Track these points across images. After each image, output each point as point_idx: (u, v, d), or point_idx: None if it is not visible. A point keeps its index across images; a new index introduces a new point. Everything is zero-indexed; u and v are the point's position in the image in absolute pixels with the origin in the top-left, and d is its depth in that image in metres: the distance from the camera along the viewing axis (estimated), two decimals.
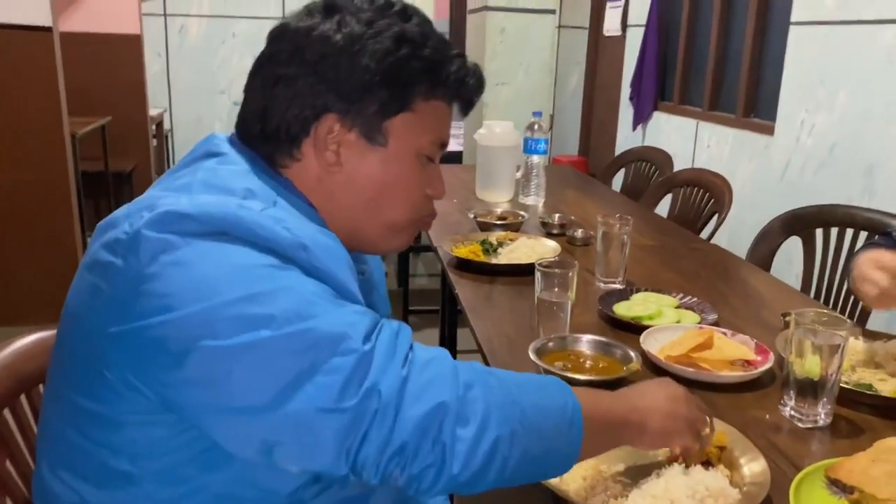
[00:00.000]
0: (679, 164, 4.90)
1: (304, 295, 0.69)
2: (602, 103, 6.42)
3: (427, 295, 3.55)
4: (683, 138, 4.93)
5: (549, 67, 3.23)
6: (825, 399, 1.04)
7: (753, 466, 0.90)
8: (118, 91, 4.86)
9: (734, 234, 3.85)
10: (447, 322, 2.53)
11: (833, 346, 1.00)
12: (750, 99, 4.30)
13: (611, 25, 6.16)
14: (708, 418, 0.89)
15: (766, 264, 1.98)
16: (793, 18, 3.76)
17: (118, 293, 0.69)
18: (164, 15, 6.34)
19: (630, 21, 5.70)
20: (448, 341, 2.45)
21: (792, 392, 1.06)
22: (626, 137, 5.74)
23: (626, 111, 5.69)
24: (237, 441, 0.69)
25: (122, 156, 4.88)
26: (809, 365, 1.02)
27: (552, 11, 3.14)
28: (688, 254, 1.93)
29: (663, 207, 2.74)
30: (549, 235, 1.98)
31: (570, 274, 1.26)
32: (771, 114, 3.96)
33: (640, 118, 5.47)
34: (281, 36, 0.85)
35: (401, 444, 0.65)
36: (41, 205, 3.12)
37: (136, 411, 0.70)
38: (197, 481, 0.73)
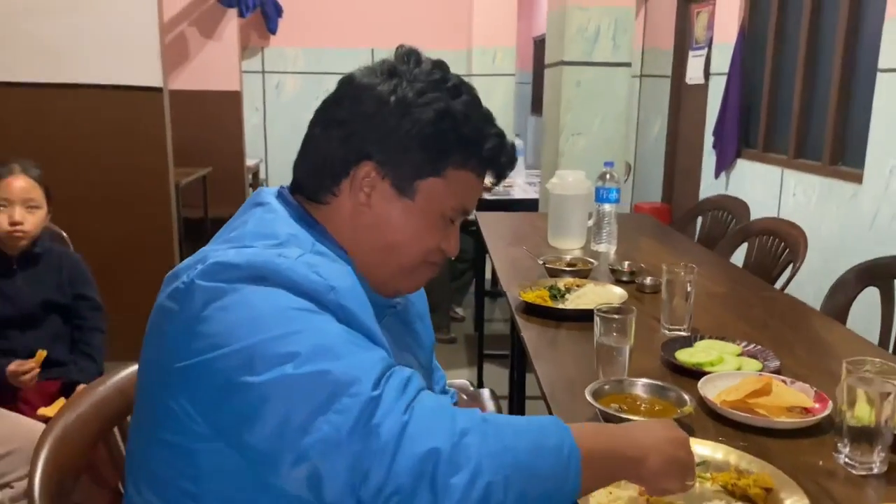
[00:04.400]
0: (763, 213, 4.83)
1: (328, 337, 0.78)
2: (685, 151, 6.39)
3: (502, 340, 3.61)
4: (768, 186, 4.85)
5: (624, 118, 3.28)
6: (879, 447, 1.05)
7: None
8: (218, 143, 5.22)
9: (820, 284, 3.73)
10: (516, 366, 2.58)
11: (884, 393, 1.02)
12: (836, 146, 4.21)
13: (693, 73, 6.16)
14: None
15: (841, 315, 1.95)
16: (880, 65, 3.70)
17: (178, 334, 0.81)
18: (263, 72, 6.78)
19: (713, 69, 5.70)
20: (517, 386, 2.51)
21: (845, 439, 1.07)
22: (710, 185, 5.68)
23: (709, 159, 5.65)
24: (268, 465, 0.77)
25: (221, 203, 5.21)
26: (859, 412, 1.04)
27: (627, 64, 3.21)
28: (758, 302, 1.93)
29: (740, 256, 2.72)
30: (619, 283, 2.03)
31: (629, 319, 1.31)
32: (859, 161, 3.87)
33: (723, 165, 5.42)
34: (347, 85, 0.97)
35: (397, 485, 0.72)
36: (147, 248, 3.38)
37: (197, 438, 0.81)
38: (254, 503, 0.83)
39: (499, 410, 1.59)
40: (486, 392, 1.90)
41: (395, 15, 6.83)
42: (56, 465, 0.90)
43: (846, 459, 1.07)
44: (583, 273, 2.06)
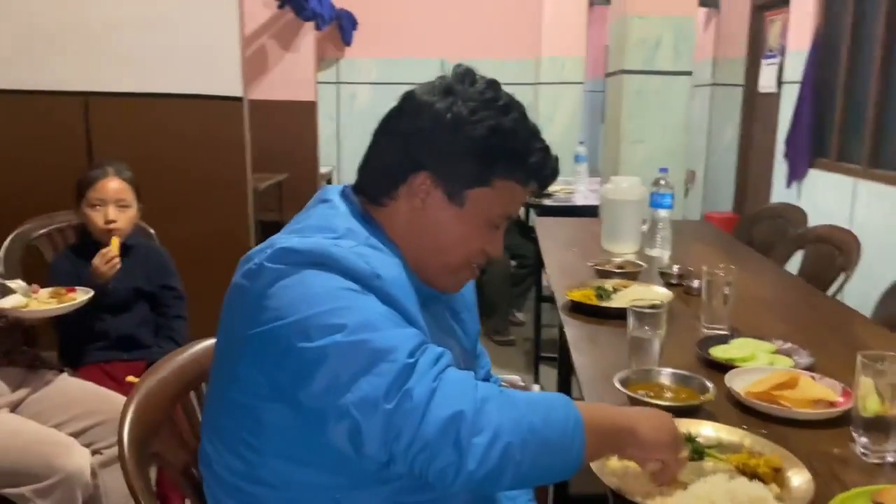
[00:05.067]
0: (835, 223, 4.72)
1: (372, 314, 0.90)
2: (757, 161, 6.29)
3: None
4: (840, 197, 4.75)
5: (684, 126, 3.31)
6: (893, 436, 1.10)
7: (801, 483, 0.99)
8: (294, 151, 5.47)
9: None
10: (563, 365, 2.65)
11: (891, 383, 1.07)
12: None
13: (766, 82, 6.07)
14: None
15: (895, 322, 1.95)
16: None
17: (249, 307, 0.94)
18: (337, 83, 7.04)
19: (785, 78, 5.61)
20: (564, 385, 2.58)
21: (860, 429, 1.12)
22: (781, 195, 5.58)
23: (780, 168, 5.56)
24: (317, 421, 0.90)
25: (295, 207, 5.33)
26: (871, 403, 1.09)
27: (688, 73, 3.24)
28: (803, 307, 1.96)
29: (797, 263, 2.72)
30: (668, 285, 2.08)
31: (660, 314, 1.39)
32: None
33: (795, 175, 5.33)
34: (408, 100, 1.08)
35: (425, 442, 0.83)
36: (224, 250, 3.59)
37: (259, 398, 0.95)
38: (307, 459, 0.95)
39: None
40: (536, 388, 1.99)
41: (466, 25, 6.99)
42: (140, 424, 1.05)
43: (861, 448, 1.13)
44: (631, 275, 2.13)
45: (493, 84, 1.07)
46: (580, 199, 4.00)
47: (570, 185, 4.29)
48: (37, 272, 2.19)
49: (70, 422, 1.83)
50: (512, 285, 4.20)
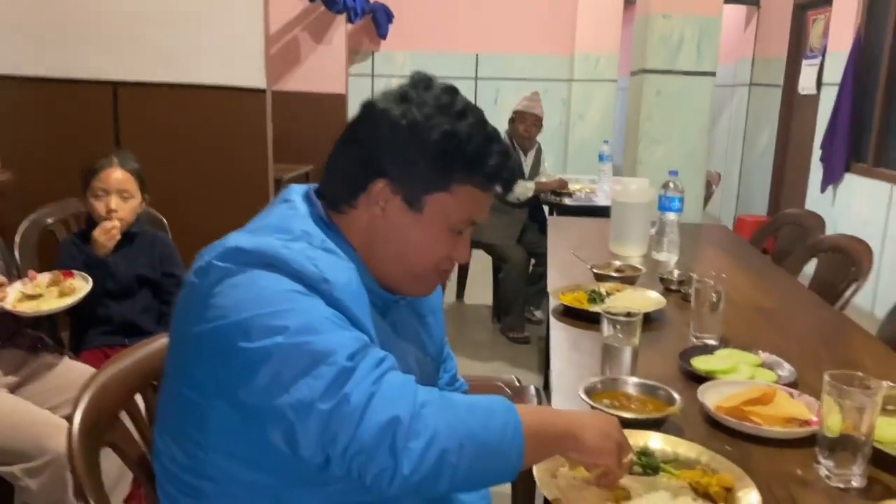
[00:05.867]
0: (870, 231, 4.60)
1: (315, 316, 0.90)
2: (793, 163, 6.13)
3: None
4: (876, 203, 4.61)
5: (706, 127, 3.24)
6: (857, 460, 1.06)
7: None
8: (322, 142, 5.44)
9: None
10: (549, 370, 2.63)
11: (857, 407, 1.03)
12: None
13: (806, 83, 5.91)
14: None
15: None
16: None
17: (196, 305, 0.95)
18: (372, 75, 7.07)
19: (825, 79, 5.45)
20: (549, 390, 2.55)
21: (825, 451, 1.09)
22: (815, 199, 5.44)
23: (816, 172, 5.41)
24: (257, 421, 0.90)
25: None
26: (833, 423, 1.05)
27: (711, 74, 3.17)
28: (806, 319, 1.90)
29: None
30: (667, 291, 2.05)
31: (634, 322, 1.36)
32: None
33: (831, 180, 5.18)
34: (367, 108, 1.08)
35: (361, 446, 0.83)
36: None
37: (205, 395, 0.95)
38: (248, 457, 0.96)
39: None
40: (531, 388, 1.99)
41: (500, 20, 6.94)
42: (95, 406, 1.07)
43: (825, 471, 1.09)
44: (629, 279, 2.09)
45: (450, 90, 1.06)
46: (602, 199, 3.94)
47: (593, 184, 4.24)
48: (54, 257, 2.26)
49: (67, 404, 1.87)
50: (530, 283, 4.17)
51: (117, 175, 2.17)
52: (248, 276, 0.93)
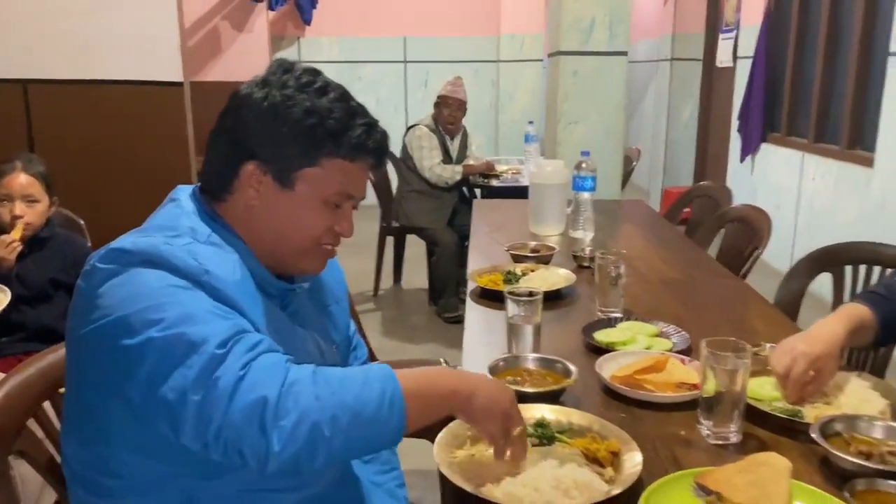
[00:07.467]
0: (787, 197, 4.80)
1: (193, 308, 0.93)
2: (715, 135, 6.34)
3: None
4: (790, 171, 4.82)
5: (622, 106, 3.33)
6: (732, 418, 1.14)
7: (632, 466, 1.03)
8: None
9: None
10: None
11: (729, 370, 1.11)
12: (854, 130, 4.17)
13: (723, 57, 6.10)
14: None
15: (795, 301, 2.01)
16: (892, 49, 3.65)
17: (83, 307, 0.97)
18: (299, 62, 6.98)
19: (740, 52, 5.64)
20: None
21: (704, 412, 1.17)
22: (736, 169, 5.65)
23: (737, 143, 5.61)
24: (143, 416, 0.93)
25: None
26: (709, 386, 1.14)
27: (623, 53, 3.26)
28: (709, 289, 2.01)
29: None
30: (581, 268, 2.13)
31: (536, 301, 1.42)
32: (875, 146, 3.83)
33: (748, 150, 5.38)
34: (233, 98, 1.11)
35: (232, 428, 0.86)
36: None
37: (99, 394, 0.97)
38: (151, 450, 0.98)
39: None
40: (457, 368, 2.02)
41: (427, 3, 6.95)
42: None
43: (706, 430, 1.17)
44: (544, 259, 2.16)
45: (311, 71, 1.09)
46: (528, 180, 4.00)
47: (519, 165, 4.31)
48: None
49: None
50: (462, 265, 4.23)
51: (21, 180, 2.12)
52: (129, 275, 0.95)
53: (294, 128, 1.05)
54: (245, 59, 5.44)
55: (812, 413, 1.21)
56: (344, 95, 1.09)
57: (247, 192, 1.08)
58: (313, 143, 1.06)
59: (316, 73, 1.09)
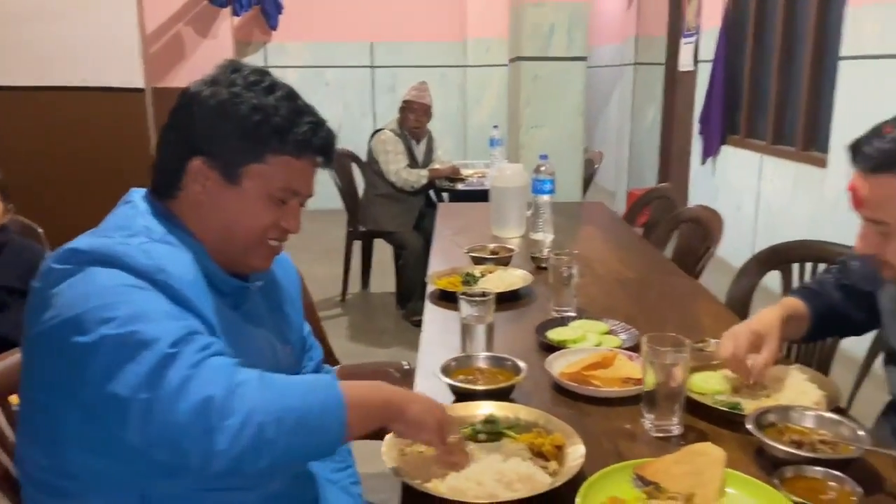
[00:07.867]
0: (746, 197, 4.90)
1: (146, 306, 0.94)
2: (678, 137, 6.45)
3: None
4: (749, 172, 4.92)
5: (582, 110, 3.39)
6: (673, 411, 1.18)
7: (574, 459, 1.07)
8: None
9: None
10: None
11: (669, 364, 1.16)
12: (809, 132, 4.28)
13: (685, 60, 6.21)
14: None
15: (745, 299, 2.06)
16: (842, 53, 3.76)
17: (37, 308, 0.98)
18: (265, 67, 6.97)
19: (700, 56, 5.75)
20: None
21: (646, 405, 1.21)
22: (697, 171, 5.75)
23: (698, 145, 5.71)
24: (94, 414, 0.94)
25: None
26: (649, 380, 1.18)
27: (583, 59, 3.31)
28: (661, 287, 2.06)
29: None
30: (539, 269, 2.17)
31: (488, 301, 1.46)
32: (828, 146, 3.93)
33: (710, 152, 5.48)
34: (182, 96, 1.13)
35: (177, 427, 0.87)
36: None
37: (51, 394, 0.98)
38: (103, 450, 0.99)
39: None
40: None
41: (393, 9, 6.98)
42: None
43: (649, 423, 1.21)
44: (503, 260, 2.20)
45: (260, 71, 1.12)
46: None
47: (483, 168, 4.35)
48: None
49: None
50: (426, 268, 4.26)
51: None
52: (84, 275, 0.96)
53: (240, 124, 1.07)
54: (209, 65, 5.29)
55: (752, 405, 1.26)
56: (291, 94, 1.11)
57: (194, 187, 1.10)
58: (259, 139, 1.08)
59: (264, 73, 1.11)
